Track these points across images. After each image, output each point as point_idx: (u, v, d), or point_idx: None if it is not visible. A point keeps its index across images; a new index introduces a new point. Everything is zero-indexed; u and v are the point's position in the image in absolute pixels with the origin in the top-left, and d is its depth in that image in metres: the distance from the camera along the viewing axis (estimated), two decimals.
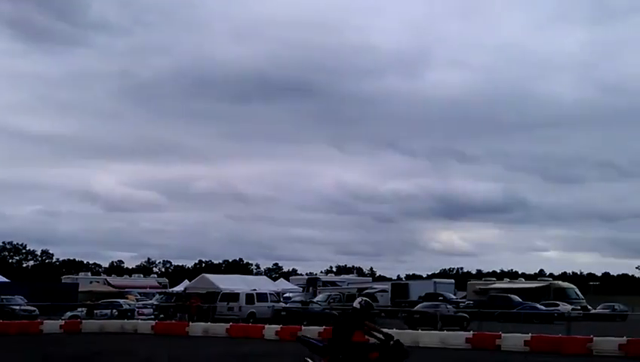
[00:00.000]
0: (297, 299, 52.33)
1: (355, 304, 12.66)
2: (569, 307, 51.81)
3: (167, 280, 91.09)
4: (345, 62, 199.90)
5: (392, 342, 12.30)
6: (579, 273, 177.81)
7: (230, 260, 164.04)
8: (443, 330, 29.41)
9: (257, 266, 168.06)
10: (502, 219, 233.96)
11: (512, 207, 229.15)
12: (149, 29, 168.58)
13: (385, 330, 12.65)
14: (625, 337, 23.08)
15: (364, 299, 13.09)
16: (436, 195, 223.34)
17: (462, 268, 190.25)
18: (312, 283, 68.43)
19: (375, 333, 12.51)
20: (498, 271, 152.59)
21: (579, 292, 67.10)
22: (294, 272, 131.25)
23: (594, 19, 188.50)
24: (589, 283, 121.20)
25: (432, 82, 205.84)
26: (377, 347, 12.39)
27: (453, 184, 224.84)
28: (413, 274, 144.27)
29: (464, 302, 56.25)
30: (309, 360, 12.74)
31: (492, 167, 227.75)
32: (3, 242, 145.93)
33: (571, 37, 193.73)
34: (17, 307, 41.58)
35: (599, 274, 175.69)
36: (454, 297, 61.40)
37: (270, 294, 45.24)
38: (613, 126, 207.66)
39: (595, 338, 23.50)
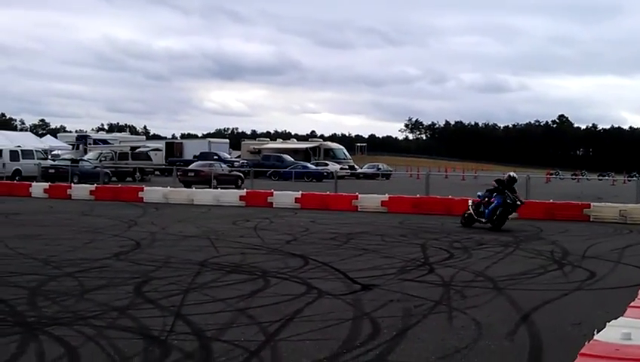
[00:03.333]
0: (67, 156, 50.51)
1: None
2: (337, 166, 54.54)
3: None
4: None
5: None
6: (347, 134, 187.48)
7: None
8: (217, 188, 29.90)
9: (22, 122, 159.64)
10: (275, 81, 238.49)
11: (285, 69, 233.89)
12: None
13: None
14: (386, 194, 24.84)
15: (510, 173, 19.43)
16: (210, 55, 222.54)
17: (237, 129, 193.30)
18: (82, 140, 66.08)
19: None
20: (272, 132, 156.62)
21: (347, 153, 70.86)
22: (63, 129, 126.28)
23: None
24: (357, 144, 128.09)
25: None
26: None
27: (227, 44, 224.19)
28: (188, 134, 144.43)
29: (238, 161, 57.40)
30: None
31: (265, 29, 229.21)
32: None
33: None
34: None
35: (366, 136, 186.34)
36: (229, 156, 62.37)
37: (37, 151, 43.17)
38: None
39: (360, 195, 25.09)
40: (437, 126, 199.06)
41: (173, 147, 65.93)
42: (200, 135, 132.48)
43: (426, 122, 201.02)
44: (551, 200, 23.39)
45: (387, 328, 7.37)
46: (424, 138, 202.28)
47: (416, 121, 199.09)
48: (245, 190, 28.10)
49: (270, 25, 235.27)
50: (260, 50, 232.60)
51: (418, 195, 25.16)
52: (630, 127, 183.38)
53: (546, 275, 11.16)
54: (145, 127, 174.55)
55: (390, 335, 7.11)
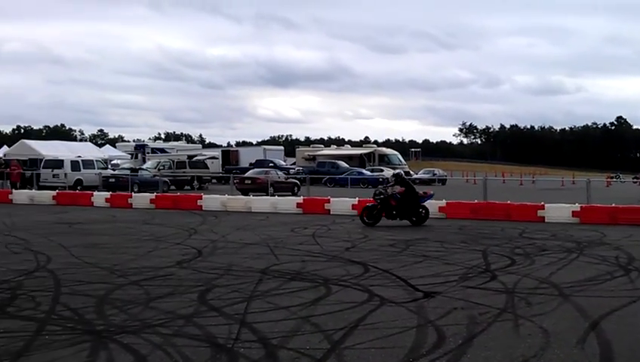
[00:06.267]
0: (126, 165, 51.41)
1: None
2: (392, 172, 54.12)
3: None
4: None
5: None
6: (401, 140, 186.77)
7: (51, 126, 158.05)
8: (274, 196, 30.08)
9: (81, 132, 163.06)
10: (328, 88, 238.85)
11: (337, 75, 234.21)
12: None
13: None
14: (444, 200, 24.65)
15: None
16: (263, 62, 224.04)
17: (291, 135, 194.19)
18: (140, 149, 67.23)
19: None
20: (326, 138, 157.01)
21: (402, 158, 70.59)
22: (121, 139, 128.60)
23: None
24: (411, 150, 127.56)
25: None
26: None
27: (279, 51, 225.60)
28: (243, 142, 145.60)
29: (294, 169, 57.63)
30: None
31: (317, 36, 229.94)
32: None
33: None
34: None
35: (420, 141, 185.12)
36: (284, 163, 62.69)
37: (97, 161, 44.03)
38: None
39: None
40: (492, 130, 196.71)
41: (229, 155, 66.54)
42: (255, 142, 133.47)
43: (481, 126, 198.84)
44: (613, 205, 22.93)
45: (452, 336, 7.31)
46: (479, 142, 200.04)
47: (471, 125, 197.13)
48: (302, 197, 28.20)
49: (322, 31, 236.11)
50: (312, 56, 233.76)
51: (476, 201, 24.90)
52: None
53: (613, 281, 10.93)
54: (200, 136, 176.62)
55: (456, 343, 7.06)
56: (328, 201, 25.93)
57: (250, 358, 6.57)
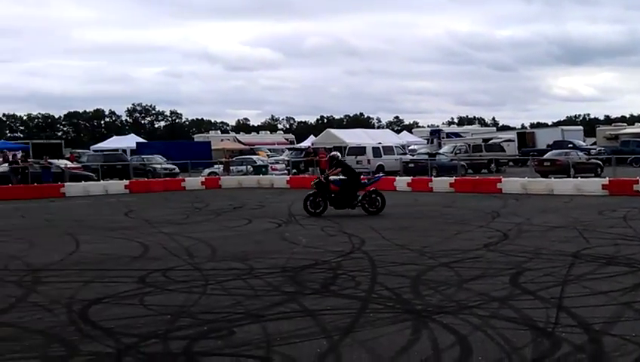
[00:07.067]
0: (423, 150, 52.51)
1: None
2: None
3: (293, 137, 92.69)
4: None
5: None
6: None
7: (351, 115, 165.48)
8: (577, 178, 28.96)
9: (378, 120, 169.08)
10: (627, 62, 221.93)
11: (637, 49, 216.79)
12: None
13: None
14: None
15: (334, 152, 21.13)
16: (555, 40, 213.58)
17: (588, 115, 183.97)
18: (435, 134, 68.18)
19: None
20: (627, 116, 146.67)
21: None
22: (416, 125, 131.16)
23: None
24: None
25: None
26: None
27: (572, 28, 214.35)
28: (538, 123, 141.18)
29: (595, 149, 54.85)
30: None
31: (612, 9, 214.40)
32: (133, 104, 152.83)
33: None
34: (158, 166, 43.72)
35: None
36: (584, 144, 59.92)
37: (396, 147, 45.58)
38: None
39: None
40: None
41: (524, 137, 64.95)
42: (550, 123, 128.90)
43: None
44: None
45: None
46: None
47: None
48: (607, 178, 26.77)
49: (617, 3, 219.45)
50: (608, 30, 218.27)
51: None
52: None
53: None
54: (493, 118, 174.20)
55: None
56: (637, 182, 24.39)
57: (573, 343, 6.49)
